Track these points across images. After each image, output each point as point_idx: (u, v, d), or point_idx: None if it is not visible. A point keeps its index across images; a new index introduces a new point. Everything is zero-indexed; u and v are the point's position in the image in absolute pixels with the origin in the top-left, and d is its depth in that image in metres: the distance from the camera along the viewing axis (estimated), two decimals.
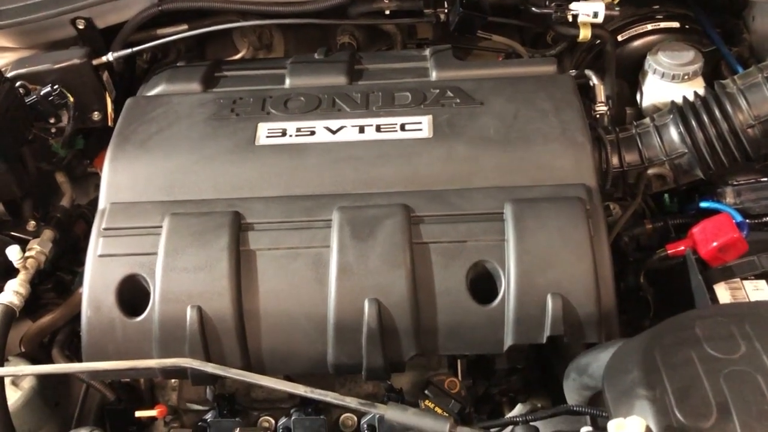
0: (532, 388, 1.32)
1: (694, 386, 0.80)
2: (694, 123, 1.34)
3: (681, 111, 1.37)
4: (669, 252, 1.31)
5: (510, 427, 1.05)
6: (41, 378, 1.36)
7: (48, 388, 1.39)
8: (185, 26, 1.58)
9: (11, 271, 1.33)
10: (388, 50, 1.74)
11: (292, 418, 1.24)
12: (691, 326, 0.88)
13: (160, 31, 1.58)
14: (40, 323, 1.41)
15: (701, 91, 1.40)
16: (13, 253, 1.31)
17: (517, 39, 1.71)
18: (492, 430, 1.07)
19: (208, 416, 1.27)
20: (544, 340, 1.11)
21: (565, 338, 1.10)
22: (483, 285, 1.15)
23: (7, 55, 1.54)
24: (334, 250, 1.15)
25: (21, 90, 1.42)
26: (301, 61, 1.52)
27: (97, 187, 1.47)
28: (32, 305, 1.40)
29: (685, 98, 1.39)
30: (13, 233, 1.42)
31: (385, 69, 1.48)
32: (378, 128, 1.31)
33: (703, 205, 1.36)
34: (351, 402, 0.95)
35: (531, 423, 1.02)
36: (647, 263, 1.35)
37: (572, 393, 1.09)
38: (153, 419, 1.31)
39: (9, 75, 1.44)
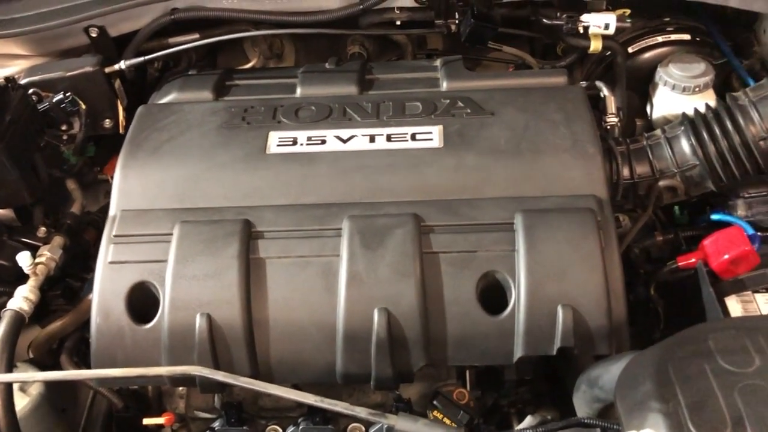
0: (541, 400, 1.32)
1: (708, 400, 0.79)
2: (705, 135, 1.34)
3: (692, 123, 1.37)
4: (680, 264, 1.31)
5: None
6: (49, 384, 1.36)
7: (56, 395, 1.39)
8: (197, 35, 1.60)
9: (21, 277, 1.33)
10: (398, 60, 1.74)
11: (300, 427, 1.23)
12: (705, 339, 0.88)
13: (171, 40, 1.60)
14: (48, 330, 1.41)
15: (713, 103, 1.40)
16: (23, 259, 1.31)
17: (527, 50, 1.71)
18: None
19: (216, 424, 1.26)
20: (555, 352, 1.10)
21: (575, 350, 1.10)
22: (493, 295, 1.15)
23: (20, 63, 1.55)
24: (344, 259, 1.15)
25: (33, 97, 1.43)
26: (312, 71, 1.53)
27: (107, 194, 1.48)
28: (41, 312, 1.40)
29: (696, 110, 1.39)
30: (23, 239, 1.43)
31: (395, 79, 1.49)
32: (388, 138, 1.32)
33: (715, 217, 1.36)
34: (361, 412, 0.95)
35: None
36: (658, 275, 1.35)
37: (582, 405, 1.08)
38: (160, 427, 1.30)
39: (22, 82, 1.45)
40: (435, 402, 1.23)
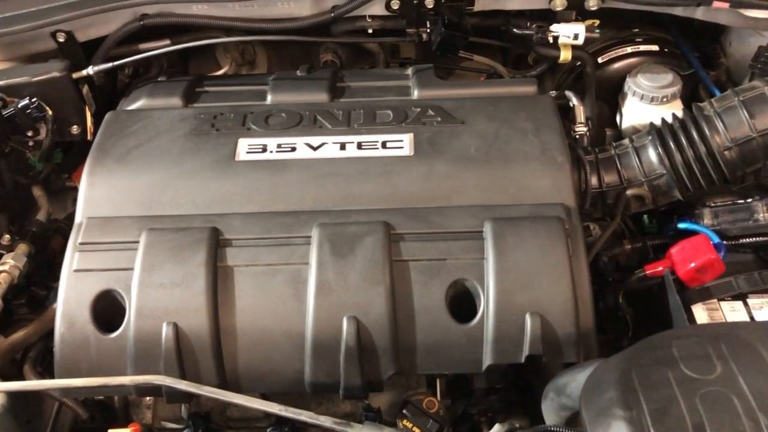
0: (510, 408, 1.32)
1: (670, 406, 0.80)
2: (672, 145, 1.36)
3: (659, 132, 1.39)
4: (647, 272, 1.32)
5: None
6: (12, 395, 1.32)
7: (19, 406, 1.35)
8: (168, 41, 1.58)
9: None
10: (370, 69, 1.75)
11: None
12: (668, 346, 0.88)
13: (142, 46, 1.58)
14: (12, 339, 1.38)
15: (679, 114, 1.42)
16: None
17: (498, 60, 1.72)
18: None
19: None
20: (523, 360, 1.11)
21: (543, 358, 1.10)
22: (462, 303, 1.15)
23: None
24: (313, 267, 1.15)
25: None
26: (283, 78, 1.52)
27: (75, 201, 1.45)
28: (5, 321, 1.38)
29: (663, 120, 1.41)
30: None
31: (367, 87, 1.49)
32: (359, 145, 1.31)
33: (682, 226, 1.37)
34: (325, 421, 0.94)
35: None
36: (626, 283, 1.36)
37: (550, 413, 1.08)
38: None
39: None
40: (404, 411, 1.22)
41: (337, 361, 1.12)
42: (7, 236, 1.41)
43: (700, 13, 1.51)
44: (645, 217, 1.49)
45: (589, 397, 0.89)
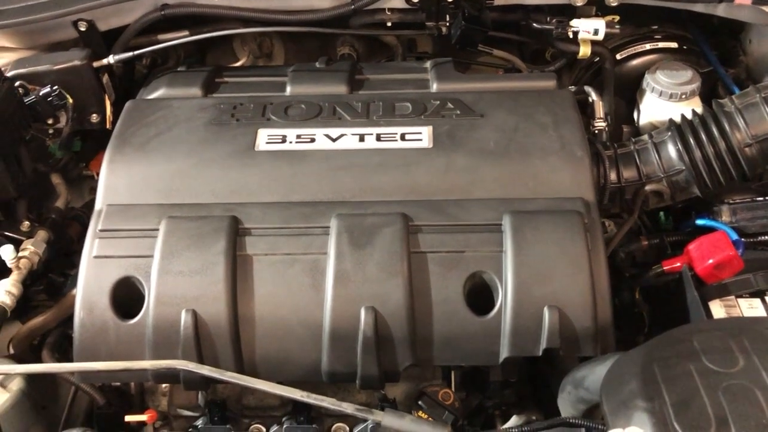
0: (526, 401, 1.32)
1: (693, 399, 0.80)
2: (692, 141, 1.35)
3: (679, 128, 1.38)
4: (665, 268, 1.31)
5: None
6: (29, 380, 1.34)
7: (36, 391, 1.36)
8: (186, 32, 1.59)
9: (4, 271, 1.31)
10: (388, 62, 1.75)
11: (284, 426, 1.23)
12: (689, 339, 0.88)
13: (161, 36, 1.59)
14: (30, 325, 1.39)
15: (699, 110, 1.41)
16: (6, 252, 1.30)
17: (517, 54, 1.72)
18: None
19: (199, 422, 1.26)
20: (540, 353, 1.11)
21: (561, 351, 1.10)
22: (480, 296, 1.15)
23: (8, 55, 1.53)
24: (332, 257, 1.15)
25: (20, 90, 1.41)
26: (303, 69, 1.52)
27: (92, 190, 1.47)
28: (23, 307, 1.39)
29: (683, 116, 1.40)
30: (6, 233, 1.41)
31: (385, 79, 1.49)
32: (378, 137, 1.32)
33: (700, 222, 1.37)
34: (348, 408, 0.95)
35: None
36: (643, 279, 1.35)
37: (567, 406, 1.08)
38: (142, 424, 1.29)
39: (8, 75, 1.43)
40: (420, 402, 1.22)
41: (354, 351, 1.12)
42: (27, 223, 1.42)
43: (721, 10, 1.50)
44: (662, 213, 1.49)
45: (610, 389, 0.89)
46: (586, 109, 1.51)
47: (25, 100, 1.41)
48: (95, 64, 1.48)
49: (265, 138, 1.32)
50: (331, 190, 1.25)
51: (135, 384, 1.33)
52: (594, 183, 1.26)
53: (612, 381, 0.89)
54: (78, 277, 1.18)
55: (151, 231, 1.20)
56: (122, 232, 1.21)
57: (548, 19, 1.53)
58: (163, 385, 1.31)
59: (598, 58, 1.60)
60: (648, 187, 1.37)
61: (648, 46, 1.63)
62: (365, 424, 1.19)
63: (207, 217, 1.21)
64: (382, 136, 1.32)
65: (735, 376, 0.82)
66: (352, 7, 1.49)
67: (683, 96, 1.49)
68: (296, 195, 1.25)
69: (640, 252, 1.41)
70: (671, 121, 1.41)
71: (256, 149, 1.31)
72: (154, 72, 1.61)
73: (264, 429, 1.25)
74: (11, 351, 1.40)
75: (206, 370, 1.03)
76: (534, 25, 1.55)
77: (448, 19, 1.54)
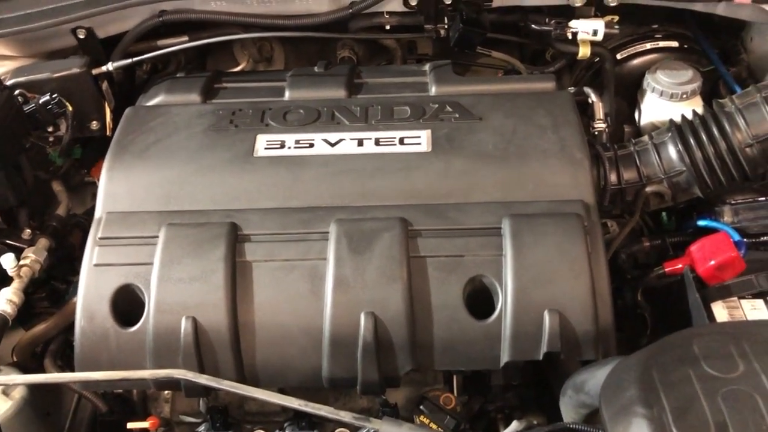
0: (527, 405, 1.31)
1: (692, 405, 0.79)
2: (692, 141, 1.34)
3: (679, 129, 1.37)
4: (666, 270, 1.31)
5: None
6: (33, 388, 1.34)
7: (39, 399, 1.37)
8: (186, 38, 1.59)
9: (5, 280, 1.32)
10: (387, 65, 1.74)
11: None
12: (689, 344, 0.88)
13: (160, 42, 1.59)
14: (32, 332, 1.40)
15: (700, 110, 1.41)
16: (7, 261, 1.30)
17: (516, 56, 1.71)
18: None
19: (201, 429, 1.26)
20: (541, 357, 1.10)
21: (561, 355, 1.10)
22: (480, 300, 1.15)
23: (7, 64, 1.54)
24: (331, 263, 1.15)
25: (19, 98, 1.42)
26: (301, 74, 1.52)
27: (94, 196, 1.46)
28: (25, 314, 1.39)
29: (683, 117, 1.40)
30: (7, 241, 1.41)
31: (384, 83, 1.49)
32: (377, 141, 1.31)
33: (701, 223, 1.36)
34: (345, 416, 0.95)
35: None
36: (644, 281, 1.35)
37: (569, 411, 1.08)
38: (145, 431, 1.29)
39: (8, 83, 1.44)
40: (421, 407, 1.22)
41: (354, 357, 1.12)
42: (28, 231, 1.42)
43: (721, 9, 1.49)
44: (663, 214, 1.48)
45: (608, 395, 0.88)
46: (586, 110, 1.50)
47: (25, 109, 1.41)
48: (94, 71, 1.48)
49: (263, 144, 1.32)
50: (330, 196, 1.25)
51: (137, 391, 1.33)
52: (594, 185, 1.25)
53: (611, 387, 0.89)
54: (78, 286, 1.19)
55: (150, 238, 1.20)
56: (122, 239, 1.21)
57: (547, 20, 1.53)
58: (166, 392, 1.31)
59: (598, 59, 1.59)
60: (649, 189, 1.37)
61: (648, 46, 1.62)
62: (367, 429, 1.19)
63: (206, 223, 1.21)
64: (380, 140, 1.32)
65: (735, 381, 0.81)
66: (350, 11, 1.49)
67: (684, 96, 1.49)
68: (295, 200, 1.25)
69: (641, 253, 1.41)
70: (671, 121, 1.41)
71: (255, 155, 1.31)
72: (153, 78, 1.61)
73: None
74: (14, 359, 1.40)
75: (204, 379, 1.03)
76: (533, 26, 1.55)
77: (446, 21, 1.53)
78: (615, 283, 1.25)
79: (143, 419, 1.28)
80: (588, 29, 1.49)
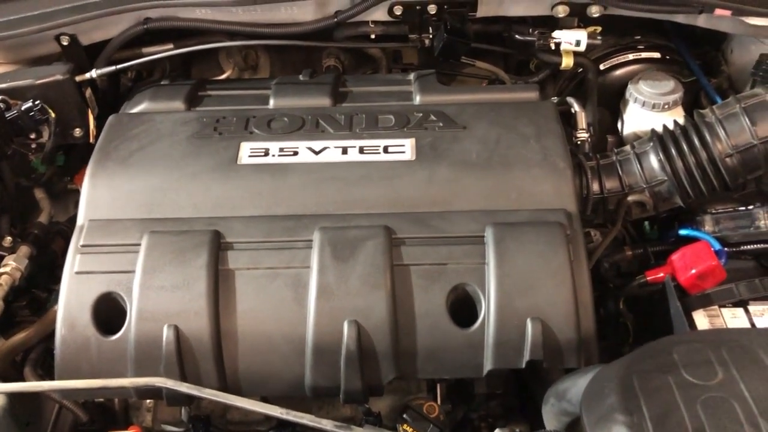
0: (511, 413, 1.32)
1: (671, 412, 0.80)
2: (673, 151, 1.36)
3: (661, 139, 1.39)
4: (648, 278, 1.32)
5: None
6: (12, 397, 1.32)
7: (19, 408, 1.35)
8: (170, 45, 1.58)
9: None
10: (372, 74, 1.75)
11: None
12: (669, 352, 0.88)
13: (145, 50, 1.59)
14: (12, 341, 1.38)
15: (681, 120, 1.42)
16: None
17: (500, 66, 1.73)
18: None
19: None
20: (524, 365, 1.11)
21: (544, 363, 1.10)
22: (463, 308, 1.15)
23: None
24: (314, 271, 1.15)
25: (2, 105, 1.41)
26: (286, 82, 1.53)
27: (77, 204, 1.45)
28: (6, 323, 1.38)
29: (665, 127, 1.41)
30: None
31: (369, 92, 1.49)
32: (361, 150, 1.32)
33: (683, 232, 1.37)
34: (326, 425, 0.94)
35: None
36: (627, 289, 1.36)
37: (551, 419, 1.08)
38: None
39: None
40: (405, 415, 1.22)
41: (337, 365, 1.11)
42: (9, 238, 1.41)
43: (702, 21, 1.51)
44: (646, 223, 1.49)
45: (589, 403, 0.89)
46: (569, 120, 1.51)
47: (7, 115, 1.40)
48: (78, 78, 1.47)
49: (247, 151, 1.32)
50: (314, 204, 1.25)
51: (119, 400, 1.32)
52: (576, 194, 1.26)
53: (592, 394, 0.89)
54: (59, 293, 1.18)
55: (132, 246, 1.19)
56: (104, 247, 1.20)
57: (530, 30, 1.54)
58: (147, 401, 1.30)
59: (581, 69, 1.61)
60: (630, 198, 1.38)
61: (631, 56, 1.64)
62: None
63: (189, 231, 1.20)
64: (365, 148, 1.32)
65: (713, 388, 0.82)
66: (335, 20, 1.50)
67: (666, 106, 1.50)
68: (279, 208, 1.25)
69: (624, 262, 1.42)
70: (653, 131, 1.42)
71: (238, 162, 1.30)
72: (137, 85, 1.61)
73: None
74: None
75: (185, 387, 1.02)
76: (516, 36, 1.56)
77: (431, 31, 1.54)
78: (597, 292, 1.25)
79: (125, 429, 1.27)
80: (571, 40, 1.50)
